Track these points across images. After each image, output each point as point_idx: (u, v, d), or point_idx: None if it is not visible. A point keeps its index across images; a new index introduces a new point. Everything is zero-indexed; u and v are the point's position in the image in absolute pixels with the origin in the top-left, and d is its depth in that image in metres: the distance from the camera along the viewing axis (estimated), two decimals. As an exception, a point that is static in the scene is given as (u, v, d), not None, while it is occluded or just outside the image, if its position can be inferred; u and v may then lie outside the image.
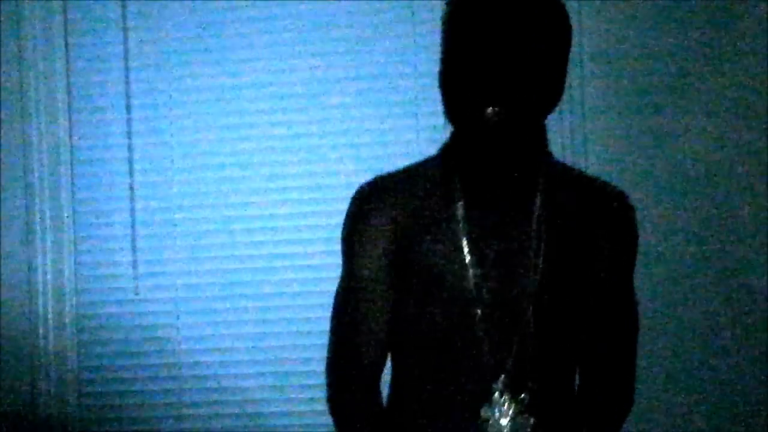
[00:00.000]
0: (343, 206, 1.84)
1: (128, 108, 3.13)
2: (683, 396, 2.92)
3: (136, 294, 3.13)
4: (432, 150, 1.84)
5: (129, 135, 3.13)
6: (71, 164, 3.14)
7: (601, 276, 1.77)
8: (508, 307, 1.71)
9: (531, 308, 1.70)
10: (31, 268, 3.10)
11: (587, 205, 1.78)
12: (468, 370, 1.71)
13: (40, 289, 3.10)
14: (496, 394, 1.70)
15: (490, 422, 1.70)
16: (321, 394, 1.90)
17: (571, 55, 1.74)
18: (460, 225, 1.72)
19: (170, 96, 3.13)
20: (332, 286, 1.84)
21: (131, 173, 3.13)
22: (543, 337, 1.72)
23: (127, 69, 3.13)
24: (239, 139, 3.10)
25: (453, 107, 1.70)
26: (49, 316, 3.10)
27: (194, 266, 3.10)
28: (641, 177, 2.91)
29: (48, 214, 3.11)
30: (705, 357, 2.92)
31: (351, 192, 1.82)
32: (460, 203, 1.73)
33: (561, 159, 1.83)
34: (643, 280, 1.88)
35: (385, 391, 1.85)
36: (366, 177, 1.82)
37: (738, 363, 2.91)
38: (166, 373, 3.10)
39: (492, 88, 1.63)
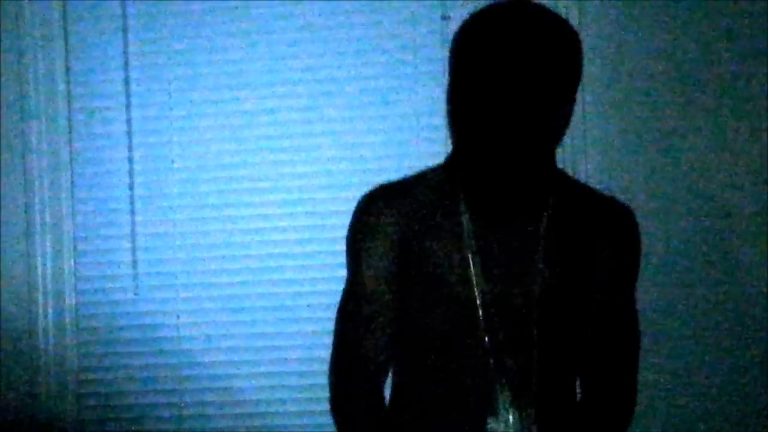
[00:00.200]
0: (343, 206, 1.85)
1: (128, 108, 3.13)
2: (683, 397, 2.92)
3: (136, 294, 3.13)
4: (432, 150, 1.85)
5: (129, 135, 3.13)
6: (71, 164, 3.14)
7: (604, 288, 1.77)
8: (513, 316, 1.71)
9: (536, 317, 1.70)
10: (31, 268, 3.10)
11: (591, 217, 1.78)
12: (471, 378, 1.71)
13: (40, 289, 3.10)
14: (502, 406, 1.70)
15: None
16: (322, 394, 1.90)
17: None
18: (465, 234, 1.72)
19: (170, 96, 3.13)
20: (332, 286, 1.84)
21: (131, 173, 3.13)
22: (546, 346, 1.71)
23: (127, 69, 3.13)
24: (239, 139, 3.10)
25: (461, 134, 1.67)
26: (49, 316, 3.10)
27: (194, 266, 3.10)
28: (641, 177, 2.91)
29: (48, 214, 3.11)
30: (705, 358, 2.92)
31: (351, 192, 1.82)
32: (465, 212, 1.72)
33: (561, 159, 1.83)
34: (641, 281, 1.88)
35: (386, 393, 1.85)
36: (366, 178, 1.82)
37: (738, 364, 2.91)
38: (166, 373, 3.10)
39: (503, 120, 1.61)
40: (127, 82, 3.12)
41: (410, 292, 1.74)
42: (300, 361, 3.04)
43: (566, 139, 2.82)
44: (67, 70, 3.14)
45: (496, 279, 1.71)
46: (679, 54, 2.93)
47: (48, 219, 3.11)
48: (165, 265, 3.12)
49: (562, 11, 2.75)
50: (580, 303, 1.74)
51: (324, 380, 1.87)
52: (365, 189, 1.84)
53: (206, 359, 3.09)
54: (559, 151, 1.79)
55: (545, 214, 1.73)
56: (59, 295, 3.11)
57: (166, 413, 3.10)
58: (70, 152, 3.14)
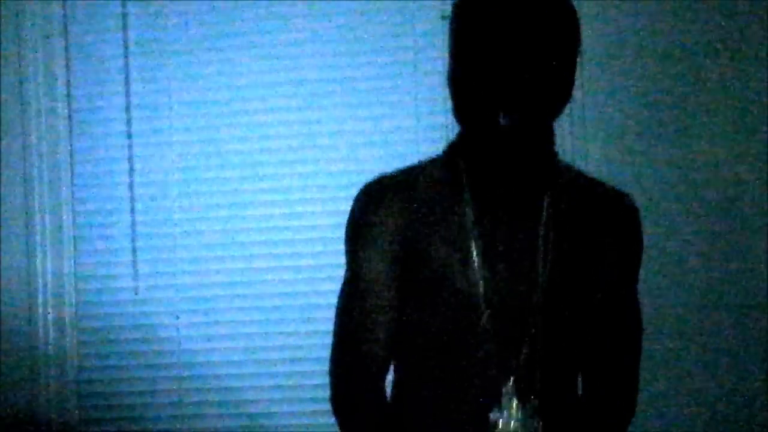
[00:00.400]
0: (343, 205, 1.84)
1: (128, 108, 3.13)
2: (683, 396, 2.91)
3: (136, 294, 3.13)
4: (432, 150, 1.84)
5: (129, 135, 3.13)
6: (71, 164, 3.14)
7: (607, 280, 1.76)
8: (517, 309, 1.70)
9: (540, 308, 1.70)
10: (31, 268, 3.10)
11: (594, 209, 1.78)
12: (475, 372, 1.71)
13: (40, 289, 3.10)
14: (505, 398, 1.70)
15: (499, 426, 1.70)
16: (322, 394, 1.89)
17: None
18: (469, 225, 1.71)
19: (170, 96, 3.13)
20: (333, 286, 1.83)
21: (131, 173, 3.13)
22: (550, 340, 1.71)
23: (127, 69, 3.13)
24: (239, 139, 3.10)
25: (464, 110, 1.69)
26: (49, 316, 3.10)
27: (194, 266, 3.10)
28: (641, 177, 2.91)
29: (48, 214, 3.11)
30: (705, 358, 2.91)
31: (350, 192, 1.81)
32: (468, 203, 1.72)
33: (561, 156, 1.83)
34: (642, 280, 1.88)
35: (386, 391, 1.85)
36: (366, 177, 1.81)
37: (738, 363, 2.90)
38: (166, 373, 3.10)
39: (504, 91, 1.62)
40: (127, 82, 3.12)
41: (412, 285, 1.73)
42: (301, 361, 3.03)
43: (566, 138, 2.84)
44: (67, 70, 3.14)
45: (499, 271, 1.70)
46: (679, 54, 2.93)
47: (48, 219, 3.11)
48: (165, 265, 3.12)
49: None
50: (584, 294, 1.74)
51: (324, 380, 1.87)
52: (365, 189, 1.83)
53: (206, 359, 3.09)
54: (559, 148, 1.79)
55: (547, 204, 1.73)
56: (59, 295, 3.11)
57: (166, 413, 3.10)
58: (70, 152, 3.14)
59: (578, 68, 2.88)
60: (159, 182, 3.12)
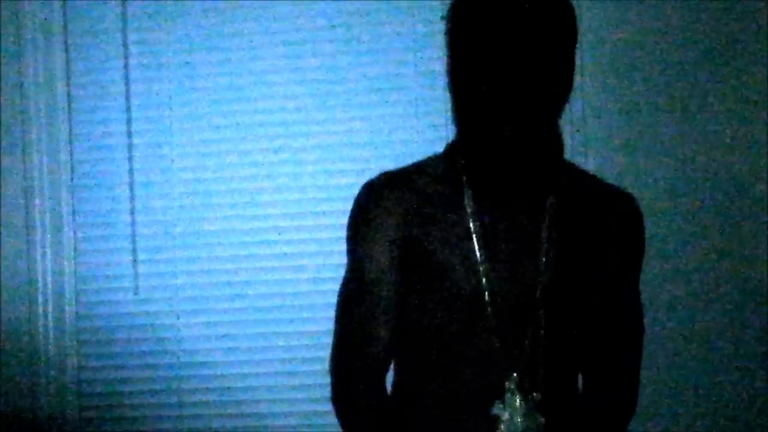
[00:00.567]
0: (343, 205, 1.84)
1: (128, 108, 3.13)
2: (683, 396, 2.91)
3: (136, 294, 3.12)
4: (432, 150, 1.84)
5: (129, 135, 3.13)
6: (71, 164, 3.14)
7: (609, 278, 1.77)
8: (519, 305, 1.70)
9: (542, 303, 1.70)
10: (31, 268, 3.10)
11: (597, 207, 1.78)
12: (478, 368, 1.71)
13: (40, 289, 3.10)
14: (509, 393, 1.70)
15: (502, 420, 1.70)
16: (323, 394, 1.89)
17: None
18: (471, 222, 1.71)
19: (170, 96, 3.13)
20: (334, 286, 1.83)
21: (131, 173, 3.13)
22: (553, 336, 1.71)
23: (127, 69, 3.13)
24: (239, 138, 3.10)
25: (464, 111, 1.69)
26: (49, 316, 3.10)
27: (194, 266, 3.10)
28: (641, 177, 2.91)
29: (48, 214, 3.11)
30: (705, 357, 2.91)
31: (350, 191, 1.81)
32: (470, 201, 1.72)
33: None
34: (642, 280, 1.88)
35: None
36: (366, 177, 1.81)
37: (738, 363, 2.90)
38: (166, 373, 3.10)
39: (504, 92, 1.62)
40: (127, 82, 3.12)
41: (413, 280, 1.73)
42: (301, 360, 3.03)
43: (566, 139, 2.84)
44: (67, 70, 3.14)
45: (501, 268, 1.70)
46: (679, 54, 2.93)
47: (48, 219, 3.11)
48: (165, 265, 3.12)
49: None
50: (586, 292, 1.74)
51: (325, 380, 1.87)
52: (365, 189, 1.83)
53: (206, 359, 3.09)
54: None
55: (550, 201, 1.73)
56: (59, 295, 3.11)
57: (166, 413, 3.10)
58: (70, 152, 3.14)
59: (578, 68, 2.88)
60: (159, 182, 3.12)
